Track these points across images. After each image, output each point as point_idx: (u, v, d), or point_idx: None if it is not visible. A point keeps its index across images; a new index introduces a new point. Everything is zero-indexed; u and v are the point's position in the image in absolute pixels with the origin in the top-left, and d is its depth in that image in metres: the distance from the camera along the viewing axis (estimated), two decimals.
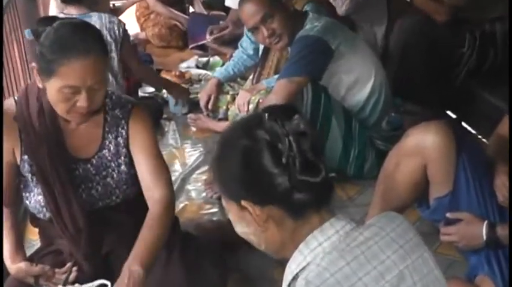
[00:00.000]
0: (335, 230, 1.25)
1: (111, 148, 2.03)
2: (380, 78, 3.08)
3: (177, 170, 3.27)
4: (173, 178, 2.67)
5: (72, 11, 3.27)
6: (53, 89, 1.86)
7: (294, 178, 1.20)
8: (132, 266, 1.80)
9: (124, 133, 2.03)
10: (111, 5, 4.70)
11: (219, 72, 3.82)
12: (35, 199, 2.03)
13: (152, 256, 1.85)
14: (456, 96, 3.57)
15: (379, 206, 2.32)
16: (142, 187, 2.02)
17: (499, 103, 3.16)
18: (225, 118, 3.64)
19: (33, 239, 2.43)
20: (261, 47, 3.45)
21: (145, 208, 1.98)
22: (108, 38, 3.18)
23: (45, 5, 4.49)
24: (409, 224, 1.31)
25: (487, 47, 3.45)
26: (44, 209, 2.02)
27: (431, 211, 2.29)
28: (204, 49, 4.90)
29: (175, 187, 2.54)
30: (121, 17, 4.07)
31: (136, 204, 2.06)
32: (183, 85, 4.06)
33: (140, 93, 3.99)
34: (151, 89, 4.05)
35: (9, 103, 2.03)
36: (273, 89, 2.95)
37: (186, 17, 5.23)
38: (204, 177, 3.18)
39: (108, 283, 1.88)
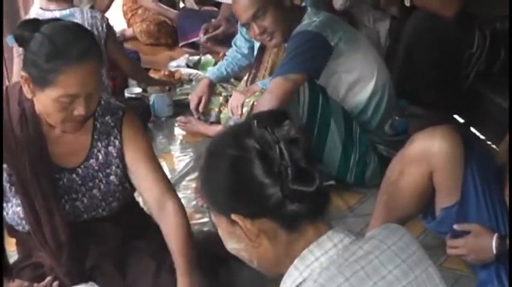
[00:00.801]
0: (333, 244, 1.24)
1: (100, 157, 2.01)
2: (383, 78, 3.06)
3: None
4: None
5: (52, 6, 3.26)
6: (48, 98, 1.82)
7: (286, 188, 1.19)
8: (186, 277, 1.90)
9: (117, 143, 2.02)
10: None
11: (211, 72, 3.81)
12: (13, 210, 2.00)
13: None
14: (464, 99, 3.57)
15: (382, 217, 2.31)
16: (148, 197, 2.02)
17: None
18: (217, 121, 3.63)
19: (11, 250, 2.41)
20: (256, 45, 3.44)
21: (133, 220, 1.97)
22: None
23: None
24: (411, 237, 1.31)
25: (497, 47, 3.45)
26: (23, 222, 2.00)
27: (438, 222, 2.28)
28: (195, 47, 4.90)
29: None
30: (107, 12, 4.06)
31: (124, 215, 2.05)
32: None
33: (126, 94, 3.99)
34: (138, 90, 4.05)
35: None
36: (268, 87, 2.95)
37: (177, 12, 5.23)
38: (193, 184, 3.17)
39: None
